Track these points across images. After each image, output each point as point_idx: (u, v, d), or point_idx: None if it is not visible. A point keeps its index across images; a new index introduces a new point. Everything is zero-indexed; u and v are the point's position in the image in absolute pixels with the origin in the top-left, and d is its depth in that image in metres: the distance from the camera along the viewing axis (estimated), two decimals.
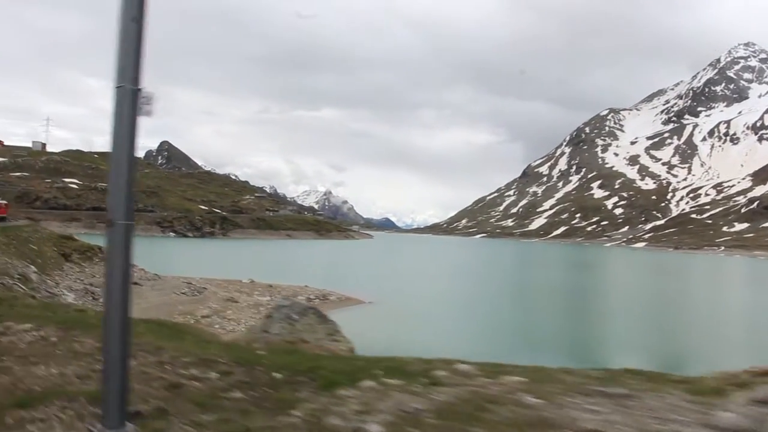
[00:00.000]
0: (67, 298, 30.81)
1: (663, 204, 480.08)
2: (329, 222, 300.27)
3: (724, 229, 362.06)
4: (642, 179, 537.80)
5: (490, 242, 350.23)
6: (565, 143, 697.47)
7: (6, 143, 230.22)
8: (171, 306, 36.77)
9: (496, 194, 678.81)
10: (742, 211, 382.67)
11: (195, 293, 41.86)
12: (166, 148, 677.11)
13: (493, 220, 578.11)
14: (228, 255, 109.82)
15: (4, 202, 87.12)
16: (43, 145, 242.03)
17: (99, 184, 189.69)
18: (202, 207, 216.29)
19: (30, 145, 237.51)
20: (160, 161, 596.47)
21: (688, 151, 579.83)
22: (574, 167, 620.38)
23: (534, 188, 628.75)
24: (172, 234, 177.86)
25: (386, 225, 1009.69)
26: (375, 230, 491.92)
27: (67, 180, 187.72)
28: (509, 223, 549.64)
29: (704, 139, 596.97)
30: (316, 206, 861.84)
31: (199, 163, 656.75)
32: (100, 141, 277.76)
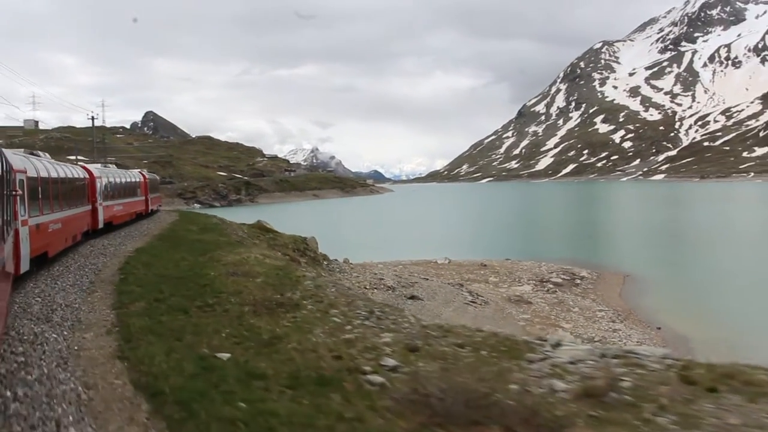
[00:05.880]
0: None
1: (672, 134, 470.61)
2: (352, 179, 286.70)
3: (745, 155, 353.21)
4: (646, 110, 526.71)
5: (509, 186, 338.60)
6: (559, 80, 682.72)
7: None
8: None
9: (493, 137, 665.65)
10: (761, 135, 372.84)
11: (480, 300, 29.60)
12: (151, 118, 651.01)
13: (495, 163, 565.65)
14: (311, 225, 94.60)
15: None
16: (36, 123, 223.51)
17: (109, 158, 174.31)
18: (221, 173, 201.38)
19: (22, 124, 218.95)
20: (146, 132, 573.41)
21: (690, 79, 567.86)
22: (573, 103, 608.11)
23: (533, 128, 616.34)
24: (197, 205, 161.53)
25: (375, 177, 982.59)
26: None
27: (71, 157, 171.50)
28: (513, 165, 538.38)
29: (705, 65, 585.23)
30: (303, 164, 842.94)
31: (186, 131, 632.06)
32: (79, 118, 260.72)
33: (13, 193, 13.00)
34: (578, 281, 36.42)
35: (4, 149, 11.84)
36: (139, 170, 46.27)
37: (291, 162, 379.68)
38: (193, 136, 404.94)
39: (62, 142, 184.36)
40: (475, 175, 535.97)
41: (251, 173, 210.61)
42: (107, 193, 30.16)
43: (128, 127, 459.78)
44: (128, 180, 36.81)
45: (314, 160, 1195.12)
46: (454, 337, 10.83)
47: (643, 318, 27.95)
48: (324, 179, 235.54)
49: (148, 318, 11.32)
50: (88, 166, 30.07)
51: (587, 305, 30.27)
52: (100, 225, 28.22)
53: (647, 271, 40.26)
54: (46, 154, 22.82)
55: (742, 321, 26.89)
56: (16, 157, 15.12)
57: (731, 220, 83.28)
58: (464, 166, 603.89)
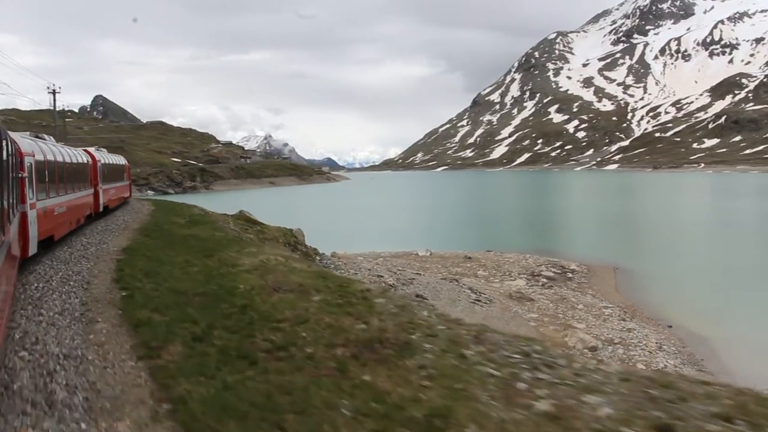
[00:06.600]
0: None
1: (624, 125, 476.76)
2: (308, 167, 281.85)
3: (695, 146, 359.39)
4: (599, 101, 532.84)
5: (465, 175, 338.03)
6: (513, 69, 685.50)
7: None
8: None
9: (448, 125, 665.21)
10: (710, 126, 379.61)
11: (483, 298, 27.59)
12: (100, 102, 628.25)
13: (450, 152, 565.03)
14: (275, 213, 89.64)
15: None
16: None
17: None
18: (175, 159, 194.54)
19: None
20: (96, 116, 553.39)
21: (642, 71, 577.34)
22: (528, 93, 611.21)
23: (488, 117, 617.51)
24: (150, 192, 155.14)
25: (329, 165, 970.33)
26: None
27: None
28: (468, 153, 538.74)
29: (656, 57, 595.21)
30: (257, 151, 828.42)
31: (136, 116, 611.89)
32: (24, 101, 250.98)
33: (21, 176, 13.11)
34: (570, 275, 35.31)
35: (11, 132, 11.50)
36: (118, 155, 43.04)
37: (245, 149, 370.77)
38: (144, 122, 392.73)
39: (7, 125, 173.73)
40: (430, 164, 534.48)
41: (205, 160, 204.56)
42: (105, 176, 29.65)
43: (77, 111, 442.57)
44: (118, 164, 36.29)
45: (267, 147, 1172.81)
46: (692, 398, 6.83)
47: (649, 315, 26.70)
48: (280, 166, 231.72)
49: (203, 378, 6.99)
50: (89, 149, 29.65)
51: (590, 302, 28.92)
52: (101, 208, 27.85)
53: (634, 263, 39.21)
54: (51, 137, 21.79)
55: (744, 312, 26.64)
56: (24, 141, 14.84)
57: (695, 210, 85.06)
58: (419, 155, 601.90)
